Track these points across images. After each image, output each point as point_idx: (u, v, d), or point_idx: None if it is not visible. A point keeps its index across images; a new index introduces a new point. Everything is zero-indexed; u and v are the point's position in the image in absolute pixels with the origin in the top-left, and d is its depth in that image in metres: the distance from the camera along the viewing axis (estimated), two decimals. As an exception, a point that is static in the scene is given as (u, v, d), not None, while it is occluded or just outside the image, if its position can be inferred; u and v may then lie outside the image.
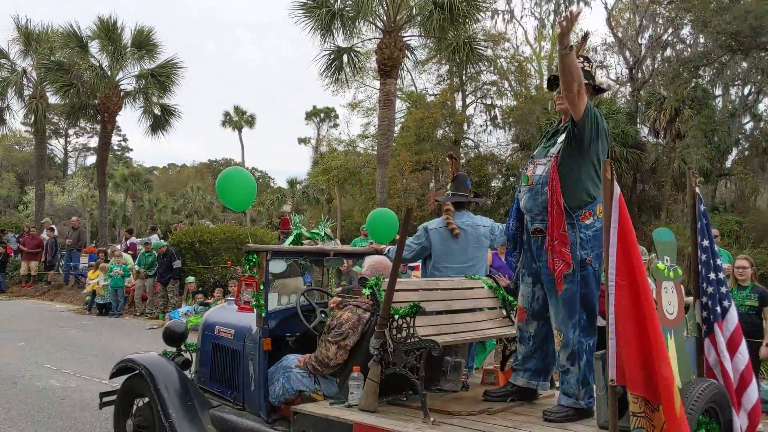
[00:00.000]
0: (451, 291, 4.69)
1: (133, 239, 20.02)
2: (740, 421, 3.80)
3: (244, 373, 4.87)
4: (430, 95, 34.74)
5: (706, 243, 3.90)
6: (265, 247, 4.92)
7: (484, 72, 31.16)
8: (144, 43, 21.97)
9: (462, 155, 35.07)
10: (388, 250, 5.46)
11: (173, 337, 5.79)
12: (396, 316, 3.99)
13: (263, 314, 4.66)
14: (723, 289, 3.93)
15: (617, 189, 3.17)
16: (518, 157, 33.75)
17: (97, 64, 21.95)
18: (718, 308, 3.87)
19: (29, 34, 23.10)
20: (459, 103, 34.64)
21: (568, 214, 3.86)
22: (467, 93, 34.33)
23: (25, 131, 54.77)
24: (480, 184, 32.43)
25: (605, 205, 3.25)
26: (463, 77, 32.31)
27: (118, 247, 18.93)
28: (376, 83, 31.65)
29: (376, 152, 22.85)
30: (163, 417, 4.90)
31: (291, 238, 5.89)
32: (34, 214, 25.78)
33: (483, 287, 4.84)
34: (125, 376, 5.50)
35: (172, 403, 4.95)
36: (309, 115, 56.11)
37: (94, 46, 21.97)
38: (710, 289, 3.88)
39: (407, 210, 4.33)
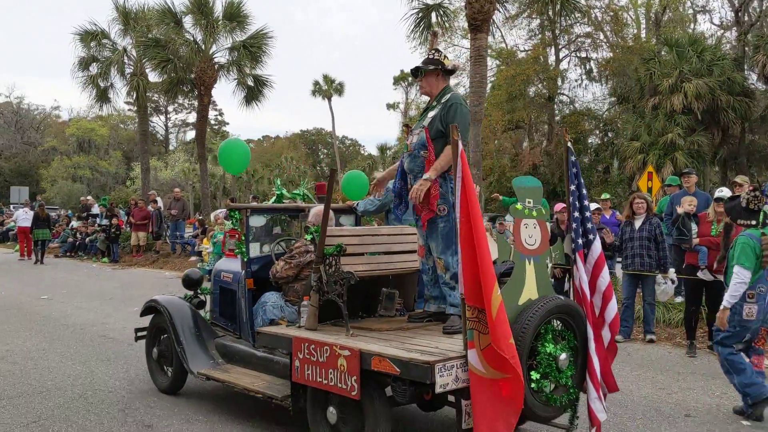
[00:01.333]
0: (393, 236, 5.56)
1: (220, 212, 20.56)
2: (604, 332, 4.74)
3: (239, 308, 5.97)
4: (521, 51, 33.69)
5: (573, 187, 4.75)
6: (245, 206, 6.07)
7: (578, 24, 30.03)
8: (234, 15, 22.33)
9: (556, 111, 34.04)
10: (357, 205, 6.45)
11: (190, 282, 7.01)
12: (326, 255, 4.92)
13: (245, 259, 5.77)
14: (589, 225, 4.79)
15: (461, 146, 4.04)
16: (616, 111, 32.46)
17: (192, 39, 22.53)
18: (581, 240, 4.73)
19: (127, 13, 23.90)
20: (552, 58, 33.48)
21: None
22: (560, 47, 33.12)
23: (128, 110, 57.29)
24: (576, 141, 31.41)
25: (453, 160, 4.12)
26: (556, 30, 31.22)
27: (221, 214, 19.50)
28: (465, 42, 31.10)
29: (467, 112, 22.37)
30: (176, 344, 6.15)
31: (274, 198, 6.97)
32: (141, 188, 26.96)
33: None
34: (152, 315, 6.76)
35: (184, 333, 6.21)
36: (397, 80, 55.81)
37: (187, 21, 22.57)
38: (574, 225, 4.74)
39: (331, 171, 5.42)
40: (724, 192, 8.19)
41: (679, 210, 8.93)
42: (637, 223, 8.80)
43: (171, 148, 62.39)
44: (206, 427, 5.47)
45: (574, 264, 4.72)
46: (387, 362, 4.09)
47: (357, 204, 6.48)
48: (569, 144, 4.83)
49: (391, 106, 58.26)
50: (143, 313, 6.82)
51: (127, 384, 6.88)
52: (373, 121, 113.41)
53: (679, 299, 9.67)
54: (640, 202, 8.84)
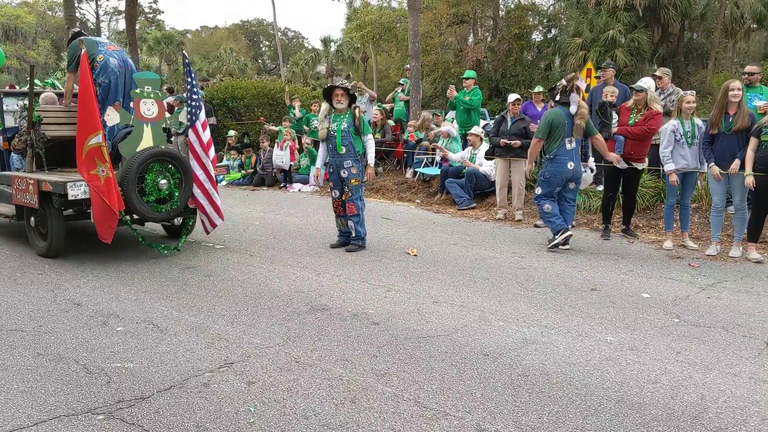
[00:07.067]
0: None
1: (170, 98, 20.03)
2: (211, 169, 7.45)
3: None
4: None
5: (188, 85, 7.37)
6: None
7: None
8: None
9: (501, 6, 33.63)
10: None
11: None
12: (33, 123, 7.67)
13: (1, 128, 8.50)
14: (195, 103, 7.37)
15: (85, 63, 6.70)
16: (561, 6, 32.26)
17: None
18: (194, 117, 7.37)
19: None
20: (498, -51, 32.68)
21: None
22: (507, -63, 32.32)
23: (56, -5, 54.01)
24: (520, 36, 31.25)
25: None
26: None
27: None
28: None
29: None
30: None
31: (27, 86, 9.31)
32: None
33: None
34: None
35: None
36: (342, -32, 53.88)
37: None
38: (186, 108, 7.47)
39: (31, 67, 8.42)
40: (644, 82, 8.39)
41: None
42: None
43: (103, 38, 59.54)
44: (135, 306, 5.53)
45: (188, 131, 7.44)
46: (47, 185, 6.86)
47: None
48: (185, 52, 7.85)
49: (336, -3, 56.28)
50: None
51: (57, 266, 6.93)
52: (317, 11, 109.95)
53: (601, 188, 10.05)
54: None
